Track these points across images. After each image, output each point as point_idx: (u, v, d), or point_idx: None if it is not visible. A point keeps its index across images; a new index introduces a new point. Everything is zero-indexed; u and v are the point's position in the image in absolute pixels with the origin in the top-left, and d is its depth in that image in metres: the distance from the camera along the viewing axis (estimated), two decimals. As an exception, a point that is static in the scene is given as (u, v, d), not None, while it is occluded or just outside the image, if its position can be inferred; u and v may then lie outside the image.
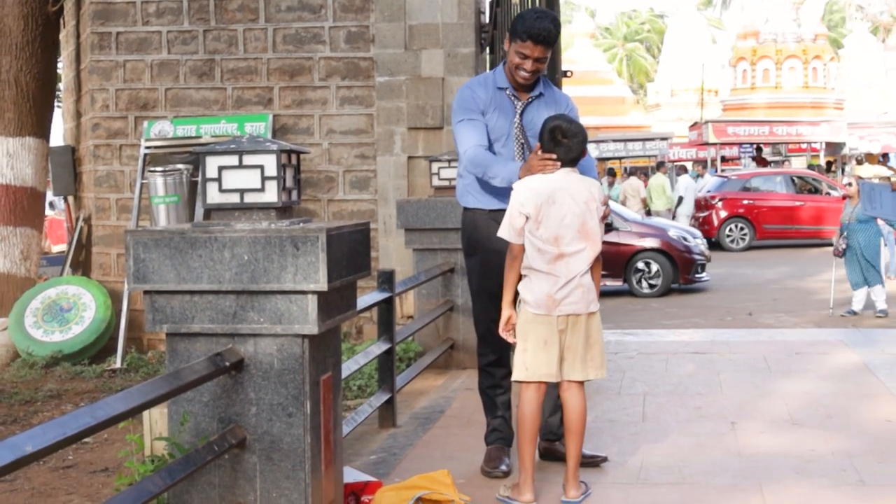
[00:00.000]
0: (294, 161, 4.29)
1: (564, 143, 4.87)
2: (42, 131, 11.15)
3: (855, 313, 12.61)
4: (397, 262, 9.34)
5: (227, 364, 3.98)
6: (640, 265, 15.67)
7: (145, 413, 4.56)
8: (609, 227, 5.45)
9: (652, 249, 15.72)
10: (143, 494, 3.43)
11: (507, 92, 5.41)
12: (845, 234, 12.65)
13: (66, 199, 12.42)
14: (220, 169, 4.13)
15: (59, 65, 12.54)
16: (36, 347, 9.80)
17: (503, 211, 5.05)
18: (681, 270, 15.77)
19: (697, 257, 16.00)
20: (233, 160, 4.13)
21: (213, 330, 4.07)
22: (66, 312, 10.05)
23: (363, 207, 10.08)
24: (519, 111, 5.41)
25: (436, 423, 6.77)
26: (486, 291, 5.38)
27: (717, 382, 7.74)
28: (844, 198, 13.39)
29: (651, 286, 15.71)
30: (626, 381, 7.82)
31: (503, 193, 5.19)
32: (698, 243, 16.38)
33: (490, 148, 5.36)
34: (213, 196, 4.15)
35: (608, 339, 9.59)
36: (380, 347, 6.64)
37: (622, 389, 7.57)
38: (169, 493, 3.93)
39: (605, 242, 5.14)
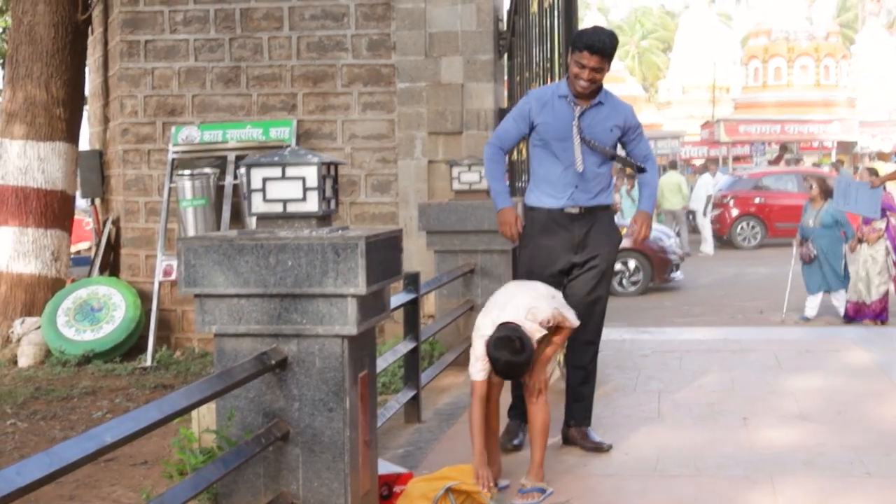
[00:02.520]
0: (333, 172, 4.57)
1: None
2: (71, 136, 11.44)
3: (808, 319, 12.59)
4: (419, 264, 9.60)
5: (273, 362, 4.26)
6: (619, 265, 15.99)
7: (193, 408, 4.85)
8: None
9: (628, 249, 15.99)
10: (201, 482, 3.73)
11: (567, 99, 5.87)
12: (811, 238, 12.56)
13: (93, 202, 12.72)
14: (265, 180, 4.42)
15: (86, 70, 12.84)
16: (68, 346, 10.10)
17: (561, 210, 5.85)
18: (656, 270, 16.14)
19: (672, 257, 16.39)
20: (276, 172, 4.42)
21: (258, 331, 4.35)
22: (97, 312, 10.36)
23: (385, 210, 10.36)
24: (577, 115, 5.84)
25: (459, 418, 7.03)
26: (535, 280, 5.72)
27: (730, 380, 7.99)
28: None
29: (633, 283, 16.07)
30: (641, 379, 8.08)
31: (562, 196, 5.88)
32: (672, 244, 16.78)
33: (547, 147, 5.93)
34: (258, 205, 4.44)
35: (623, 338, 9.88)
36: (406, 346, 6.92)
37: (638, 386, 7.83)
38: (219, 482, 4.22)
39: None
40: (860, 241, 12.18)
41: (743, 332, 10.71)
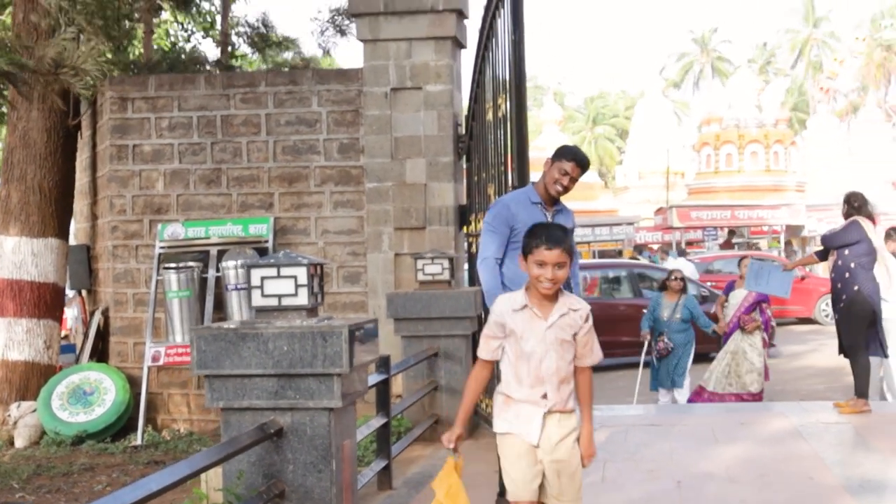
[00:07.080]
0: (319, 271, 5.48)
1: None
2: (62, 232, 12.31)
3: None
4: (387, 348, 10.39)
5: (271, 431, 5.11)
6: None
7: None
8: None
9: None
10: (218, 529, 4.58)
11: (540, 206, 6.75)
12: (666, 332, 12.43)
13: (80, 293, 13.54)
14: (262, 278, 5.32)
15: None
16: (63, 427, 10.88)
17: None
18: None
19: None
20: (272, 272, 5.32)
21: (259, 405, 5.20)
22: (89, 395, 11.16)
23: (355, 299, 11.24)
24: (550, 219, 6.71)
25: (426, 486, 7.81)
26: None
27: (669, 450, 8.84)
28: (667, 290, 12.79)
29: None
30: (589, 450, 8.92)
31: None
32: None
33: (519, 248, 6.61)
34: (257, 299, 5.33)
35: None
36: (378, 421, 7.77)
37: (586, 456, 8.67)
38: (228, 533, 5.05)
39: None
40: (741, 328, 12.35)
41: (685, 408, 11.60)
